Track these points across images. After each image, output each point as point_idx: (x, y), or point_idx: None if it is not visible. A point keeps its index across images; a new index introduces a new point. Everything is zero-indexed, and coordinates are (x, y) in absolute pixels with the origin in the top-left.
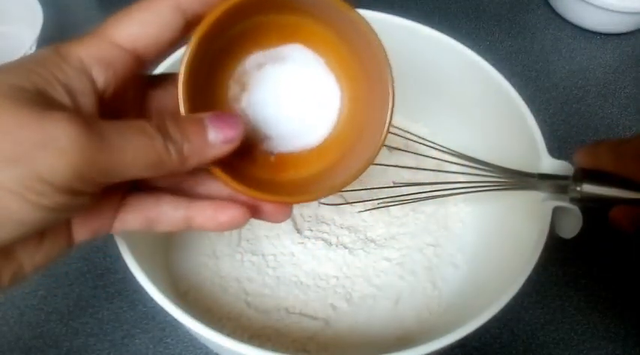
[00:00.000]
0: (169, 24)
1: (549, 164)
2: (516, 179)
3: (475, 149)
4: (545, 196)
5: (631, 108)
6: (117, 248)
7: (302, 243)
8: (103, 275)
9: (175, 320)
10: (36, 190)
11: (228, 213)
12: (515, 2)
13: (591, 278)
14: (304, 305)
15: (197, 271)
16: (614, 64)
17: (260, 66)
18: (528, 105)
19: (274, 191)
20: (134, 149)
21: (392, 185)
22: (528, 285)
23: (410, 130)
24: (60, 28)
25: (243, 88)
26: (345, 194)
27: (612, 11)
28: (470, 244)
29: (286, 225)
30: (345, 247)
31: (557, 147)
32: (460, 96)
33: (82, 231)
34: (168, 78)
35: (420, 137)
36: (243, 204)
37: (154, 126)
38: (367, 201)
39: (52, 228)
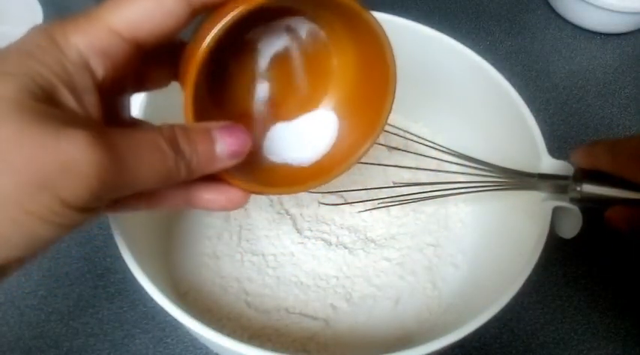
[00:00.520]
0: (174, 11)
1: (549, 164)
2: (516, 179)
3: (475, 149)
4: (545, 196)
5: (631, 108)
6: (117, 248)
7: (302, 243)
8: (103, 276)
9: (175, 320)
10: (57, 213)
11: (229, 196)
12: (515, 2)
13: (591, 278)
14: (304, 305)
15: (197, 271)
16: (614, 64)
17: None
18: (528, 105)
19: (265, 182)
20: (148, 167)
21: (392, 185)
22: (528, 285)
23: (410, 130)
24: None
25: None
26: (344, 194)
27: (612, 11)
28: (470, 244)
29: (286, 225)
30: (345, 247)
31: (557, 147)
32: (460, 96)
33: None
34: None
35: (420, 137)
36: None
37: (167, 140)
38: (367, 201)
39: None
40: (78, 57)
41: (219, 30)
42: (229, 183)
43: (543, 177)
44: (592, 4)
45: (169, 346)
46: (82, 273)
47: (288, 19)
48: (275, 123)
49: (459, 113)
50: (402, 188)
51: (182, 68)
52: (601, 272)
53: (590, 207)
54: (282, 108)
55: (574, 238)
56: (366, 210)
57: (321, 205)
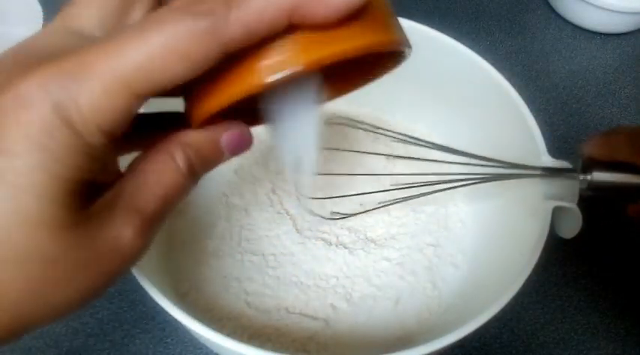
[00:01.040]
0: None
1: (549, 164)
2: (520, 171)
3: (475, 149)
4: (548, 193)
5: (631, 108)
6: None
7: (302, 243)
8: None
9: (175, 320)
10: None
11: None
12: (515, 2)
13: (591, 278)
14: (304, 305)
15: (197, 271)
16: (614, 64)
17: None
18: (528, 105)
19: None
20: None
21: (391, 188)
22: (528, 285)
23: (409, 130)
24: None
25: None
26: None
27: (612, 11)
28: (470, 244)
29: (286, 225)
30: (345, 247)
31: (557, 147)
32: (460, 96)
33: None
34: None
35: (418, 139)
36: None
37: (186, 171)
38: (369, 210)
39: None
40: (102, 142)
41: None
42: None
43: (547, 170)
44: (592, 4)
45: (169, 346)
46: None
47: None
48: None
49: (458, 113)
50: (403, 190)
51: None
52: (601, 272)
53: (600, 197)
54: None
55: (574, 238)
56: (366, 212)
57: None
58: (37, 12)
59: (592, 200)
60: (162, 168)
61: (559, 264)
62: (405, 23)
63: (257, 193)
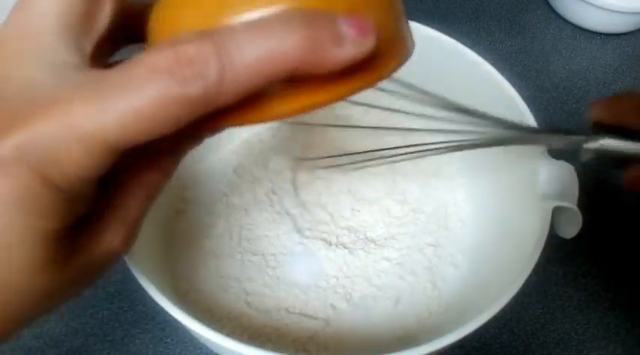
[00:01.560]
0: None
1: (549, 164)
2: (522, 133)
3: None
4: (547, 194)
5: None
6: None
7: (302, 243)
8: (103, 276)
9: (175, 320)
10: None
11: None
12: (515, 2)
13: (591, 278)
14: (304, 305)
15: (197, 271)
16: (614, 64)
17: None
18: (528, 105)
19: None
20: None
21: (383, 148)
22: (528, 285)
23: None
24: None
25: None
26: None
27: (612, 11)
28: (470, 244)
29: (286, 225)
30: (345, 247)
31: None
32: (460, 96)
33: None
34: None
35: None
36: None
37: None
38: (359, 162)
39: None
40: (82, 187)
41: None
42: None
43: (554, 130)
44: (592, 4)
45: (169, 346)
46: None
47: None
48: None
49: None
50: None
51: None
52: (601, 272)
53: (608, 165)
54: None
55: (574, 238)
56: (357, 165)
57: (322, 200)
58: None
59: (594, 165)
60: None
61: (559, 264)
62: None
63: (257, 193)
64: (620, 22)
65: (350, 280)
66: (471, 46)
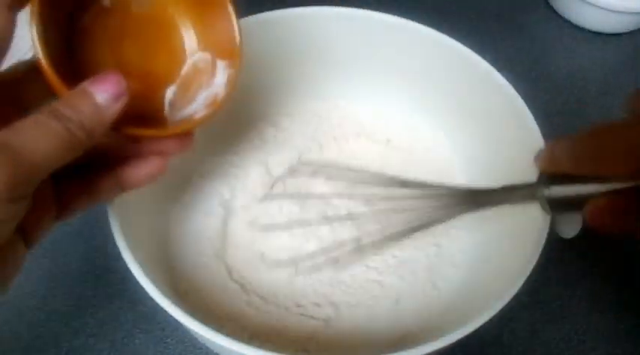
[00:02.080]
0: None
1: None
2: (484, 197)
3: (474, 149)
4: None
5: None
6: (117, 248)
7: (302, 243)
8: (103, 276)
9: (175, 320)
10: None
11: (151, 165)
12: (515, 2)
13: (591, 278)
14: (304, 305)
15: (197, 271)
16: (614, 64)
17: None
18: (528, 105)
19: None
20: (43, 145)
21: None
22: (528, 285)
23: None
24: None
25: None
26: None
27: (612, 11)
28: (470, 244)
29: (286, 225)
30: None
31: None
32: (460, 96)
33: (35, 234)
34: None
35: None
36: (153, 153)
37: (46, 114)
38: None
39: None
40: (16, 206)
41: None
42: (149, 135)
43: (507, 189)
44: (592, 4)
45: (169, 346)
46: (82, 273)
47: None
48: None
49: (458, 113)
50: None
51: None
52: (601, 272)
53: (567, 210)
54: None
55: (574, 238)
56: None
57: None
58: None
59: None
60: (26, 118)
61: (559, 264)
62: (406, 24)
63: (257, 193)
64: (620, 22)
65: (350, 280)
66: (471, 46)
